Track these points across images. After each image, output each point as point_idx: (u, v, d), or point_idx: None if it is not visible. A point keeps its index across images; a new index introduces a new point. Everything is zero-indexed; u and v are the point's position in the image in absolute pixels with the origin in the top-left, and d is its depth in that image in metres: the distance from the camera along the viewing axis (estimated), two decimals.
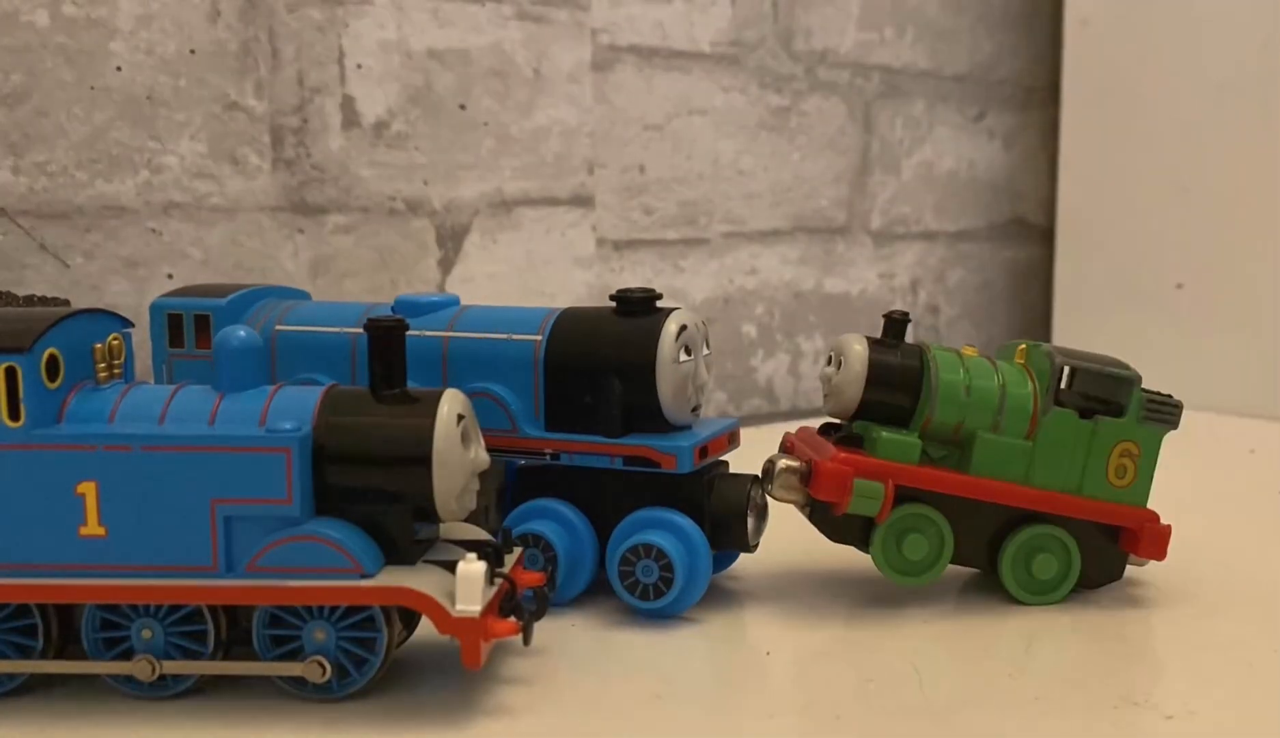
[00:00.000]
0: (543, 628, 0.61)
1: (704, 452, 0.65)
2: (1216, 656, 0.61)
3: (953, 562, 0.66)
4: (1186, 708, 0.54)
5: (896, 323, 0.67)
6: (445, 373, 0.67)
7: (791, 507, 0.68)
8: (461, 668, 0.53)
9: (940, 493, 0.65)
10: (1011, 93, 1.44)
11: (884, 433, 0.65)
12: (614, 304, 0.66)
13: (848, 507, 0.64)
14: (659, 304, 0.66)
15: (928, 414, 0.66)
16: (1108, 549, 0.68)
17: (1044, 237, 1.47)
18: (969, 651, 0.61)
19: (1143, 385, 0.67)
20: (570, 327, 0.67)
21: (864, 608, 0.67)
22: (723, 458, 0.68)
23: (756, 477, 0.67)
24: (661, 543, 0.63)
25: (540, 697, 0.55)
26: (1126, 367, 0.67)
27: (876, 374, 0.66)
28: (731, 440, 0.69)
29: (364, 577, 0.53)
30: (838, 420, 0.69)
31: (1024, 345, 0.69)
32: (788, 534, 0.72)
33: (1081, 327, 1.36)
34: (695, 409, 0.66)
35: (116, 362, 0.58)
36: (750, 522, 0.66)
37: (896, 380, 0.66)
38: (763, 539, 0.68)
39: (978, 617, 0.65)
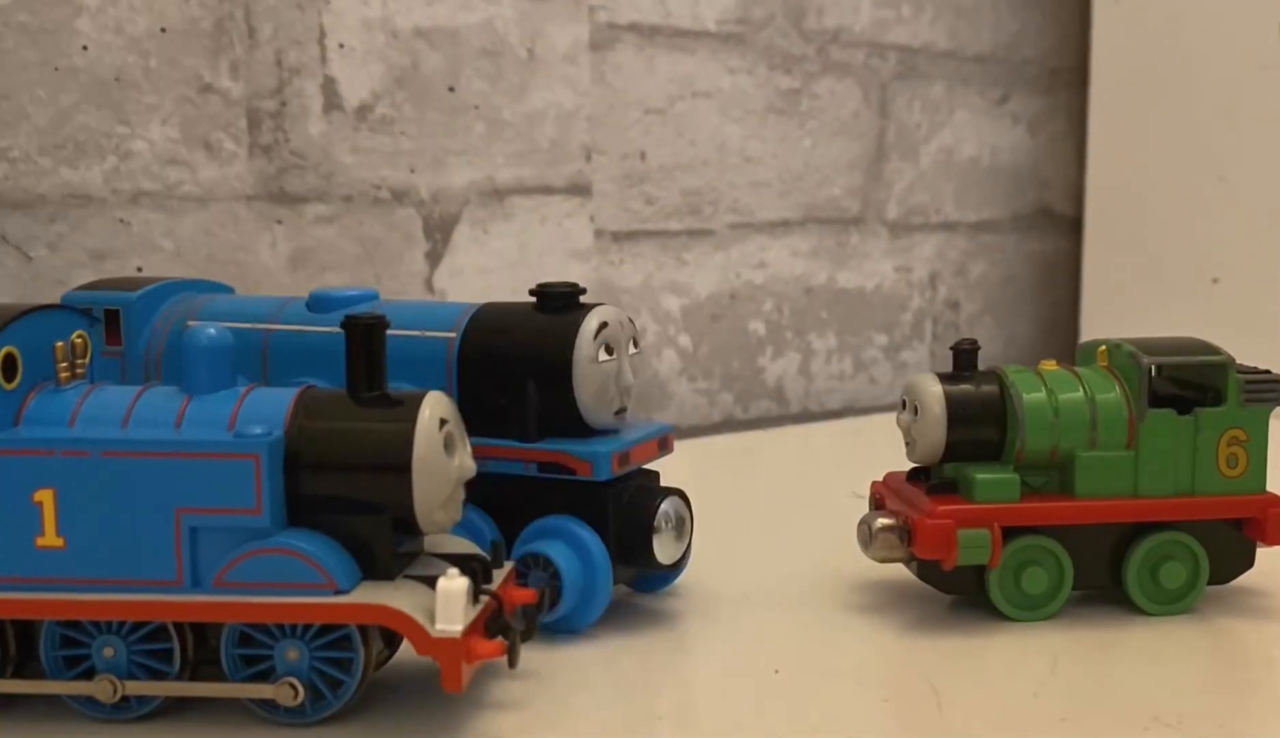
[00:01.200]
0: (531, 649, 0.61)
1: (625, 459, 0.64)
2: (1255, 673, 0.60)
3: (1074, 588, 0.66)
4: (1223, 730, 0.54)
5: (967, 353, 0.67)
6: None
7: (792, 507, 0.67)
8: (444, 692, 0.53)
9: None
10: (1037, 74, 1.43)
11: (979, 474, 0.65)
12: (534, 299, 0.65)
13: (957, 561, 0.64)
14: (583, 300, 0.65)
15: (1019, 445, 0.65)
16: (1234, 542, 0.67)
17: (1071, 228, 1.46)
18: (990, 669, 0.61)
19: (1236, 365, 0.66)
20: (486, 323, 0.66)
21: (878, 623, 0.67)
22: (654, 468, 0.67)
23: (677, 491, 0.65)
24: (551, 553, 0.62)
25: (530, 723, 0.55)
26: (1216, 349, 0.67)
27: (957, 412, 0.65)
28: (663, 446, 0.68)
29: (338, 593, 0.52)
30: (925, 466, 0.68)
31: (1104, 347, 0.68)
32: (803, 545, 0.72)
33: (1111, 323, 1.36)
34: (619, 412, 0.66)
35: (80, 361, 0.57)
36: (662, 538, 0.64)
37: (980, 414, 0.66)
38: (774, 549, 0.68)
39: (999, 633, 0.65)
